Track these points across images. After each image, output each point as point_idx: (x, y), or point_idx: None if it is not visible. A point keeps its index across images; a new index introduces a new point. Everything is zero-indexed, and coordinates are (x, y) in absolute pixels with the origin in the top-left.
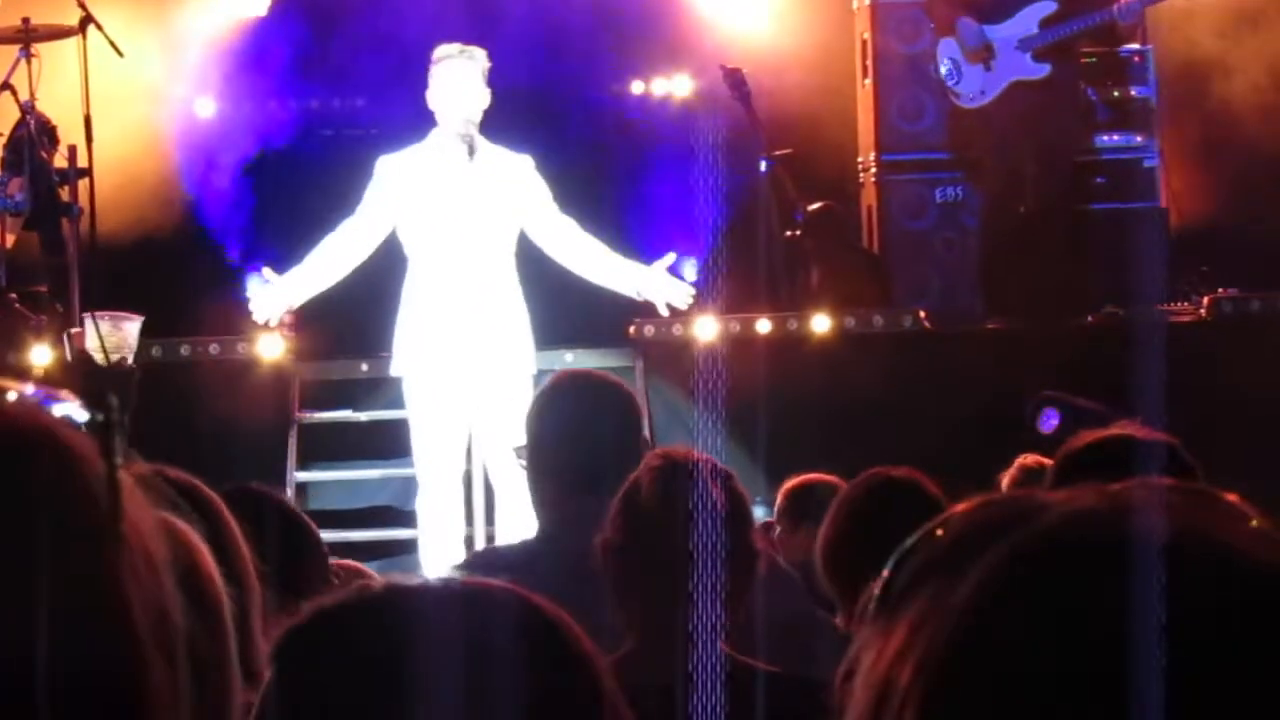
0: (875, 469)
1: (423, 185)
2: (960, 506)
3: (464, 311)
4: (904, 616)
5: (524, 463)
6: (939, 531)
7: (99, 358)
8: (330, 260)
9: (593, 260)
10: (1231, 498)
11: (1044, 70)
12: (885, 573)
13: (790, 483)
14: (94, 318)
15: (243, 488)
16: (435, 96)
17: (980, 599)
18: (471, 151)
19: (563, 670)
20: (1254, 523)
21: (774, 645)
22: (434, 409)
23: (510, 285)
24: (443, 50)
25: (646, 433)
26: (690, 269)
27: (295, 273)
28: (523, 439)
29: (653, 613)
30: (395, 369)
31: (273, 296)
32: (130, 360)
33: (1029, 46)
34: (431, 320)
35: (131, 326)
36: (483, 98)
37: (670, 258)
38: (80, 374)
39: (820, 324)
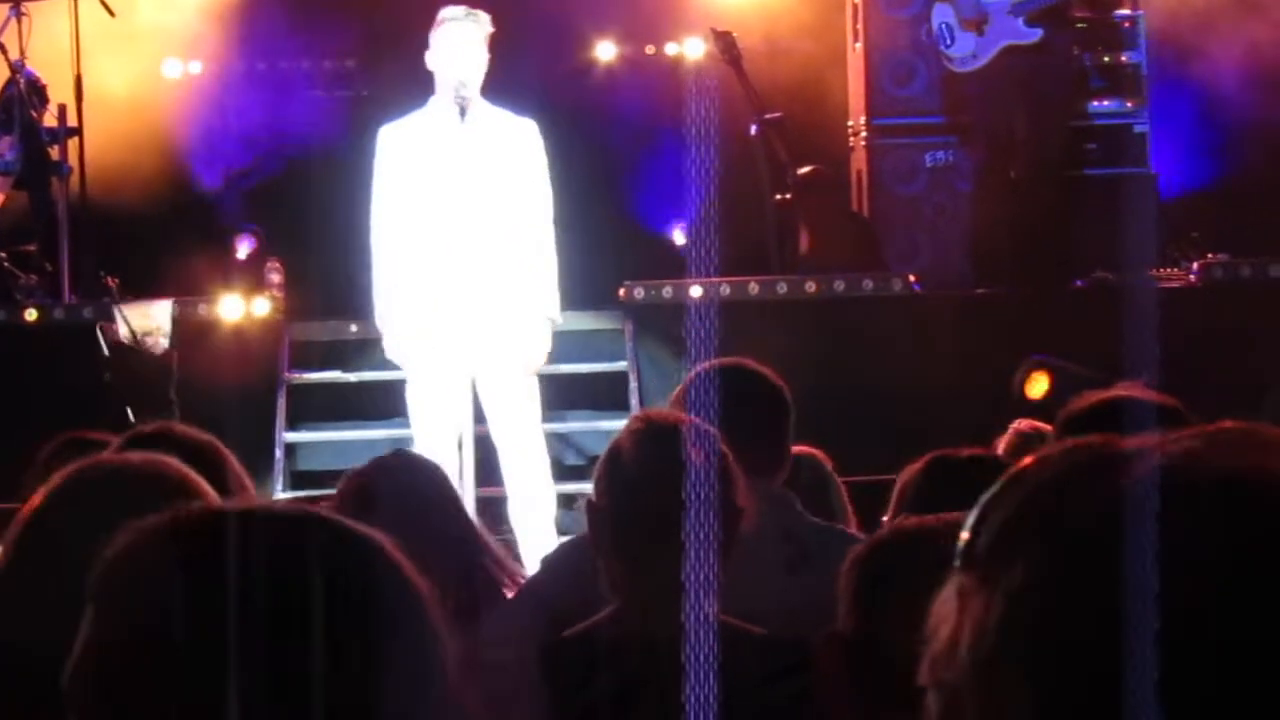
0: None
1: (422, 150)
2: (1029, 462)
3: (465, 277)
4: (993, 578)
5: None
6: (1012, 492)
7: (133, 345)
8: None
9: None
10: None
11: (1036, 35)
12: (970, 524)
13: None
14: (119, 309)
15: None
16: (436, 58)
17: (1059, 577)
18: (465, 114)
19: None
20: None
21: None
22: (433, 377)
23: (512, 248)
24: (449, 11)
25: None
26: (680, 233)
27: (390, 302)
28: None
29: (637, 574)
30: (390, 352)
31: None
32: (165, 343)
33: (1022, 11)
34: (431, 287)
35: (160, 309)
36: (483, 62)
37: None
38: (120, 369)
39: (809, 288)
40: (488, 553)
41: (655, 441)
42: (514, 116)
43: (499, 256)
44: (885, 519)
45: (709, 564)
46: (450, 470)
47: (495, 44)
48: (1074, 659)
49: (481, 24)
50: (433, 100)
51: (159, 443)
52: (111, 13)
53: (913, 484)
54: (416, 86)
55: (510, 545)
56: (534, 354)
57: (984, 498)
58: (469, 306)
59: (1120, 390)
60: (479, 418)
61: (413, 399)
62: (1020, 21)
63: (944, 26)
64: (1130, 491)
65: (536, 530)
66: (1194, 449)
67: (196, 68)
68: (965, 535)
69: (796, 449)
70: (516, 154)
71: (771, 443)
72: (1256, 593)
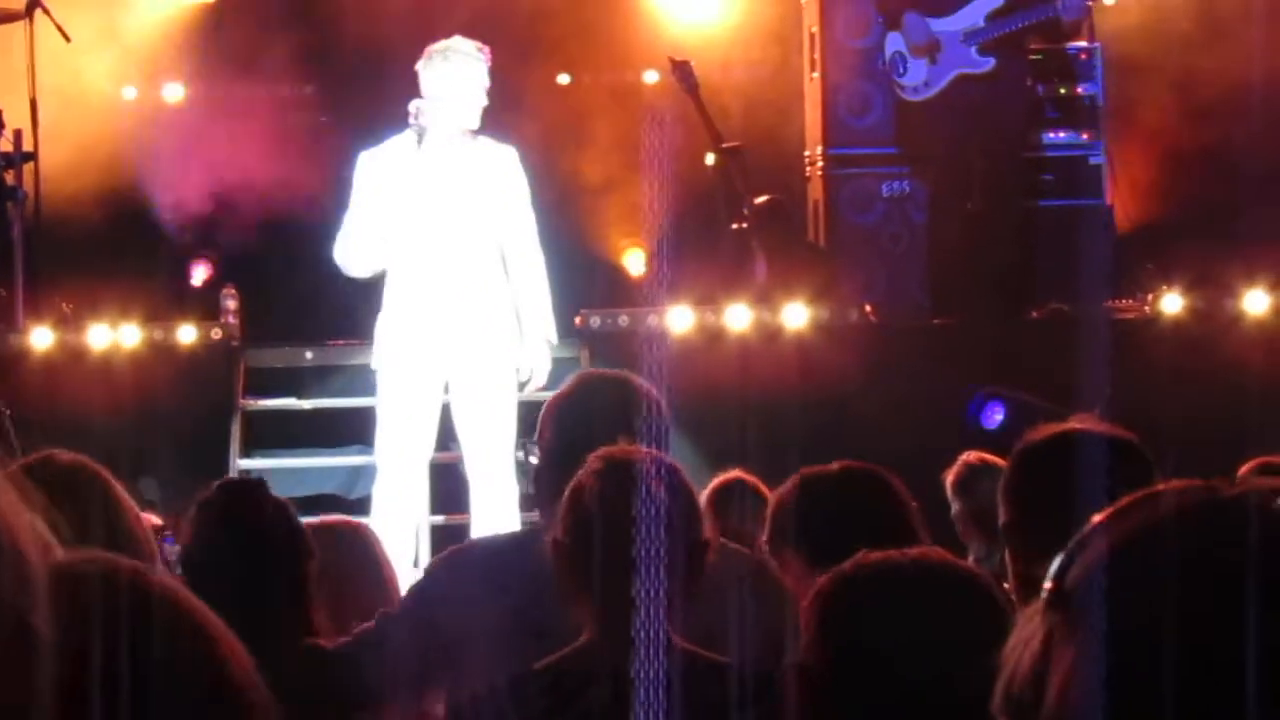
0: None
1: (410, 179)
2: (1125, 503)
3: (446, 301)
4: (1086, 622)
5: (534, 458)
6: (1120, 525)
7: None
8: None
9: (519, 291)
10: None
11: (989, 64)
12: (1059, 562)
13: (714, 481)
14: None
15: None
16: (439, 86)
17: (1216, 612)
18: (461, 145)
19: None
20: None
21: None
22: (406, 398)
23: (493, 275)
24: (458, 44)
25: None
26: (637, 261)
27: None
28: (534, 434)
29: (603, 609)
30: (375, 362)
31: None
32: None
33: (975, 40)
34: (413, 309)
35: None
36: (483, 101)
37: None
38: None
39: (766, 317)
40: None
41: (616, 477)
42: (495, 144)
43: (481, 278)
44: (762, 541)
45: (673, 595)
46: (414, 496)
47: None
48: (1177, 705)
49: (485, 59)
50: (422, 127)
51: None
52: (67, 37)
53: (784, 502)
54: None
55: None
56: (536, 375)
57: (1078, 537)
58: (447, 326)
59: (1075, 423)
60: (444, 444)
61: (383, 415)
62: (973, 50)
63: (897, 55)
64: (1247, 539)
65: None
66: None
67: (153, 93)
68: (1054, 573)
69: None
70: (502, 181)
71: None
72: None
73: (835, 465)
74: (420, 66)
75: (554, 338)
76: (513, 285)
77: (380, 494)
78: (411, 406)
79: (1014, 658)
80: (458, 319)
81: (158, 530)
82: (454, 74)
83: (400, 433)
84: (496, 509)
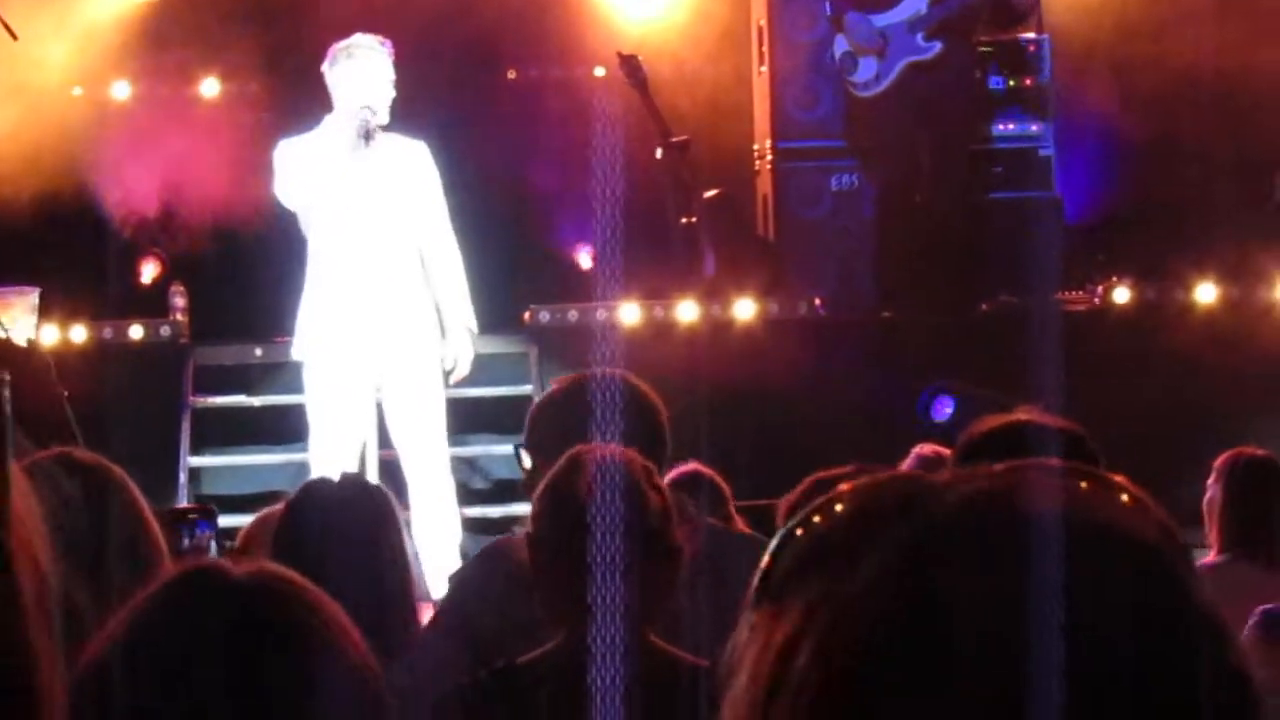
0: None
1: (325, 172)
2: (844, 488)
3: (368, 298)
4: (791, 606)
5: (526, 460)
6: (822, 515)
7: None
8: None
9: (437, 284)
10: (1118, 478)
11: (935, 48)
12: (767, 557)
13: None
14: None
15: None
16: (346, 84)
17: (878, 588)
18: (370, 140)
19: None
20: (1138, 500)
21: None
22: (334, 395)
23: (413, 271)
24: (360, 39)
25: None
26: (585, 256)
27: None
28: (521, 436)
29: (576, 608)
30: (296, 353)
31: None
32: (28, 337)
33: (920, 26)
34: (335, 306)
35: (21, 301)
36: (391, 93)
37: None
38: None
39: (715, 311)
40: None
41: (590, 475)
42: (406, 140)
43: (401, 275)
44: None
45: (643, 596)
46: None
47: (405, 66)
48: (852, 693)
49: (388, 54)
50: (330, 121)
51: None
52: (14, 35)
53: (794, 507)
54: (319, 107)
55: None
56: (461, 365)
57: (783, 530)
58: (372, 324)
59: (1019, 415)
60: (384, 443)
61: (314, 414)
62: (919, 37)
63: (846, 55)
64: (917, 538)
65: (441, 553)
66: (992, 488)
67: (100, 91)
68: (761, 570)
69: (691, 467)
70: (415, 175)
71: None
72: (1037, 638)
73: (849, 467)
74: (325, 68)
75: (474, 326)
76: (431, 279)
77: None
78: (342, 407)
79: (731, 666)
80: (382, 318)
81: (195, 513)
82: (358, 71)
83: (333, 434)
84: (435, 504)
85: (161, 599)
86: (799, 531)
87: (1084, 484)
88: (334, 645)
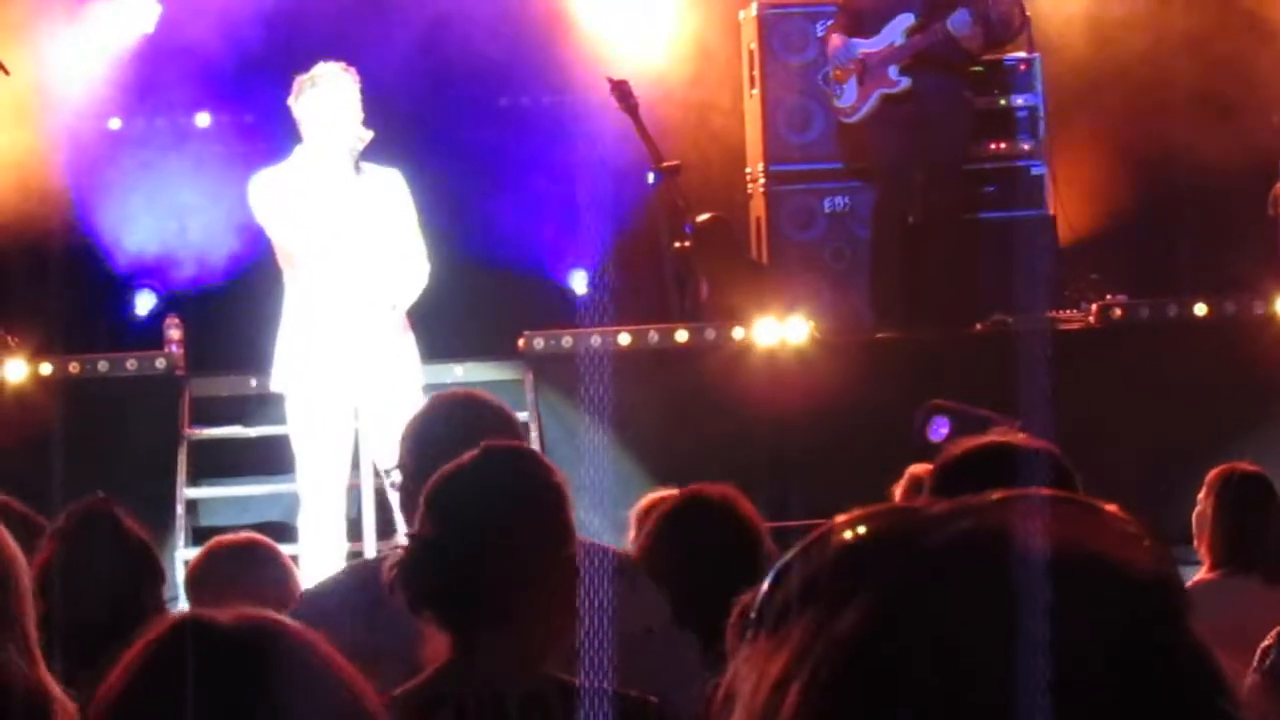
0: (693, 486)
1: (301, 202)
2: (839, 520)
3: (348, 327)
4: (785, 640)
5: (395, 482)
6: (816, 550)
7: None
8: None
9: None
10: (1110, 508)
11: (905, 83)
12: (762, 590)
13: (642, 501)
14: None
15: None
16: (316, 114)
17: (866, 628)
18: (348, 169)
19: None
20: (1131, 531)
21: (624, 660)
22: (316, 425)
23: (388, 288)
24: (325, 68)
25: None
26: (579, 281)
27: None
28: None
29: (458, 627)
30: (275, 384)
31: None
32: None
33: (893, 60)
34: (314, 336)
35: None
36: (360, 116)
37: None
38: None
39: (709, 335)
40: None
41: (469, 479)
42: (380, 167)
43: (380, 302)
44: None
45: (538, 613)
46: (336, 524)
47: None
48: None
49: (354, 78)
50: (308, 152)
51: None
52: (6, 71)
53: (666, 517)
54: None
55: None
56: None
57: (783, 559)
58: (352, 352)
59: (995, 436)
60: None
61: (298, 445)
62: (891, 70)
63: (828, 78)
64: (905, 579)
65: None
66: (980, 525)
67: (95, 124)
68: (759, 600)
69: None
70: (392, 204)
71: None
72: (1026, 678)
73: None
74: (291, 102)
75: (400, 304)
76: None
77: (306, 525)
78: (325, 436)
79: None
80: (361, 346)
81: None
82: (325, 99)
83: (319, 464)
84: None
85: (154, 652)
86: (794, 563)
87: (1074, 517)
88: (327, 690)
